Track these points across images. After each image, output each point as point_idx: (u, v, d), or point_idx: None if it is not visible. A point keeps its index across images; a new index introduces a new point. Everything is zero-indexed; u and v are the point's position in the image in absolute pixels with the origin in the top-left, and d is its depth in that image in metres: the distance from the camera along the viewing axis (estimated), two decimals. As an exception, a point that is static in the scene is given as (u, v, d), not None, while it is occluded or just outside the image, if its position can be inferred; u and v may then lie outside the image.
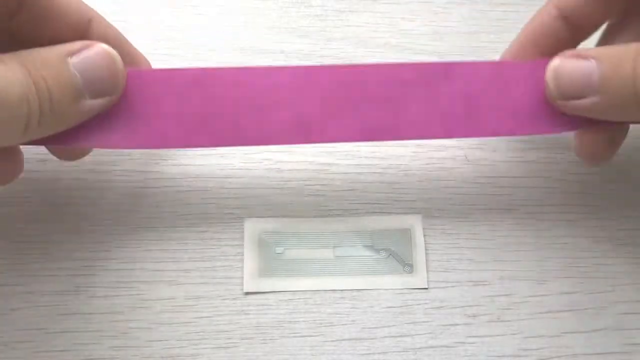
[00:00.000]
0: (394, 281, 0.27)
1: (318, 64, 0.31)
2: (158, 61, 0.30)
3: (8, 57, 0.20)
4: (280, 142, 0.24)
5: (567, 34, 0.25)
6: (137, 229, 0.27)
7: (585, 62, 0.22)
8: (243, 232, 0.27)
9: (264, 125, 0.24)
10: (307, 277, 0.27)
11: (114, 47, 0.23)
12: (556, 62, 0.23)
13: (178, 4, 0.32)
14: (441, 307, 0.27)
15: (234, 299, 0.26)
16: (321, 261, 0.27)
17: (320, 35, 0.32)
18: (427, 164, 0.29)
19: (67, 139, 0.23)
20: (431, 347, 0.26)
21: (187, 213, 0.28)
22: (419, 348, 0.26)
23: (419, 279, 0.27)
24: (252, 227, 0.27)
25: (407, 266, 0.27)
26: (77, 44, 0.22)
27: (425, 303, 0.27)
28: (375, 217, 0.28)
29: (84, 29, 0.23)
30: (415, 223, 0.28)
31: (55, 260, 0.26)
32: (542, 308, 0.27)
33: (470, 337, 0.26)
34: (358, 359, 0.26)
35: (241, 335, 0.26)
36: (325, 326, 0.26)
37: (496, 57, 0.32)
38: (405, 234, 0.27)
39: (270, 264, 0.27)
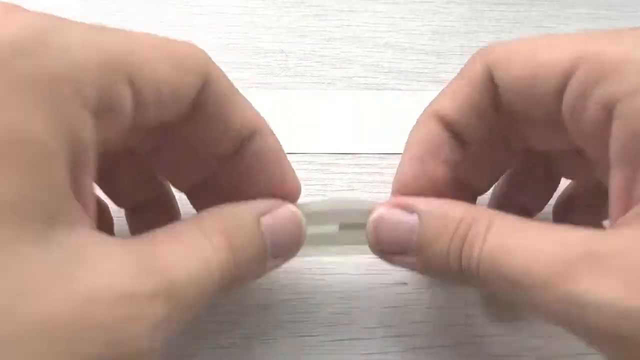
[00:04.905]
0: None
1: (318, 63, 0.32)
2: (158, 61, 0.30)
3: (211, 228, 0.19)
4: None
5: (456, 143, 0.22)
6: (137, 229, 0.27)
7: (407, 217, 0.20)
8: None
9: None
10: (308, 246, 0.23)
11: (268, 164, 0.21)
12: (377, 213, 0.21)
13: (178, 4, 0.32)
14: (441, 307, 0.27)
15: (234, 298, 0.26)
16: (325, 235, 0.24)
17: (320, 35, 0.32)
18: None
19: None
20: (431, 347, 0.26)
21: (187, 212, 0.28)
22: (419, 348, 0.26)
23: None
24: None
25: None
26: (267, 204, 0.21)
27: (425, 303, 0.27)
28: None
29: (243, 139, 0.21)
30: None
31: (55, 260, 0.26)
32: (542, 308, 0.27)
33: (470, 337, 0.26)
34: (358, 359, 0.26)
35: (241, 335, 0.26)
36: (325, 326, 0.26)
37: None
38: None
39: None
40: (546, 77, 0.19)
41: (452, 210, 0.20)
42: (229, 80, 0.20)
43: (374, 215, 0.21)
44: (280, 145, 0.22)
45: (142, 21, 0.32)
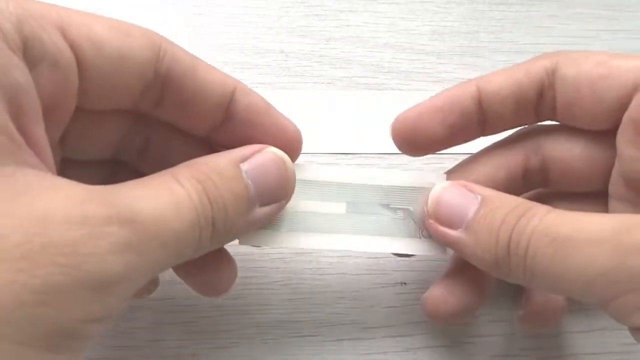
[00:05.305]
0: (409, 245, 0.23)
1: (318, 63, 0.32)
2: (158, 61, 0.30)
3: (183, 174, 0.18)
4: None
5: (475, 118, 0.23)
6: (137, 229, 0.27)
7: (470, 194, 0.21)
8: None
9: None
10: (314, 234, 0.23)
11: (259, 117, 0.21)
12: (445, 185, 0.22)
13: (178, 4, 0.32)
14: (441, 307, 0.27)
15: (234, 298, 0.26)
16: (331, 216, 0.23)
17: (320, 35, 0.32)
18: (426, 163, 0.29)
19: None
20: (431, 347, 0.26)
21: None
22: (419, 348, 0.26)
23: (437, 244, 0.23)
24: None
25: (426, 230, 0.23)
26: (248, 149, 0.20)
27: (425, 303, 0.27)
28: (394, 172, 0.24)
29: (228, 101, 0.21)
30: (437, 182, 0.23)
31: (55, 260, 0.27)
32: (542, 308, 0.27)
33: (470, 337, 0.26)
34: (358, 359, 0.26)
35: (241, 335, 0.26)
36: (325, 326, 0.26)
37: (495, 56, 0.32)
38: (425, 194, 0.23)
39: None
40: (620, 78, 0.20)
41: (514, 196, 0.21)
42: (189, 53, 0.20)
43: (443, 184, 0.22)
44: (265, 99, 0.22)
45: (142, 21, 0.32)
